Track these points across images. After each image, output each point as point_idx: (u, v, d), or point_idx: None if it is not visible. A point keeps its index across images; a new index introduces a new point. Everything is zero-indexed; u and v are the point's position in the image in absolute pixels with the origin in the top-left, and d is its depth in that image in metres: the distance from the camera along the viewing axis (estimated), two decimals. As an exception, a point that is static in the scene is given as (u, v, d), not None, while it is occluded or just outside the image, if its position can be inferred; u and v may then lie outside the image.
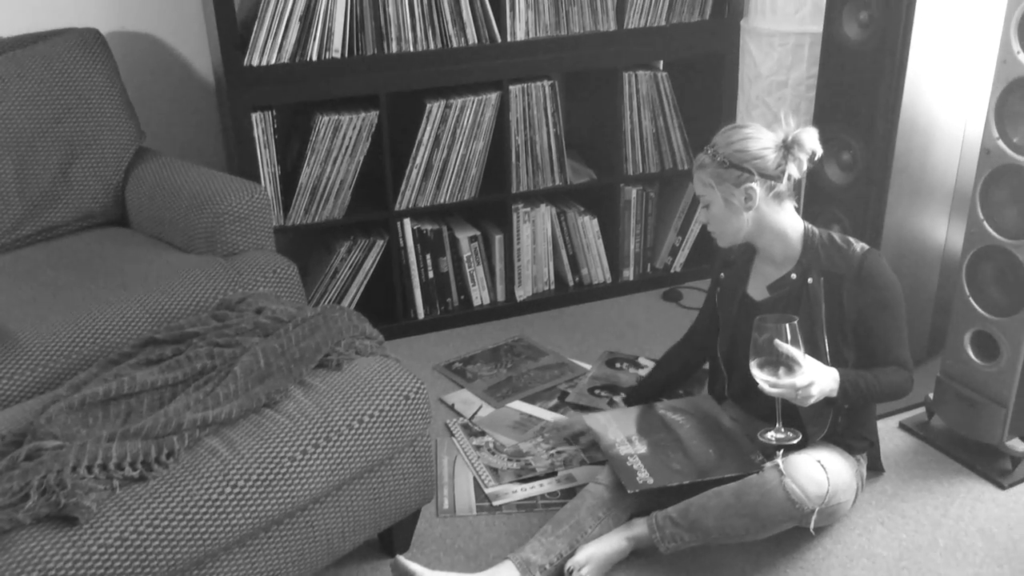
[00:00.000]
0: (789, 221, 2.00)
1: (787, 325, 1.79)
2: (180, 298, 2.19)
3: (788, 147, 1.92)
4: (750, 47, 2.73)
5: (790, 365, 1.81)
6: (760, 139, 1.94)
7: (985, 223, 2.14)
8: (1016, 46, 2.03)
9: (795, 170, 1.93)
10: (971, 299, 2.20)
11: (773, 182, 1.93)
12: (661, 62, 3.07)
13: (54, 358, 2.01)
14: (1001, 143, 2.09)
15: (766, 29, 2.65)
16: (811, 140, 1.93)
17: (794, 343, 1.80)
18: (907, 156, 2.38)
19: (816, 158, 1.95)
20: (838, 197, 2.45)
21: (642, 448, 2.08)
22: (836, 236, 2.00)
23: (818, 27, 2.48)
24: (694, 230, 3.21)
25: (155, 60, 2.87)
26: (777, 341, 1.79)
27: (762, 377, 1.82)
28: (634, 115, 3.01)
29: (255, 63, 2.58)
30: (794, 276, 2.00)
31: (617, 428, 2.16)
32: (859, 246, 1.97)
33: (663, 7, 2.91)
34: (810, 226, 2.02)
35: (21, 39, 2.55)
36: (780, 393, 1.83)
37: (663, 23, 2.93)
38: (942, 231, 2.56)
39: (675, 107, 3.04)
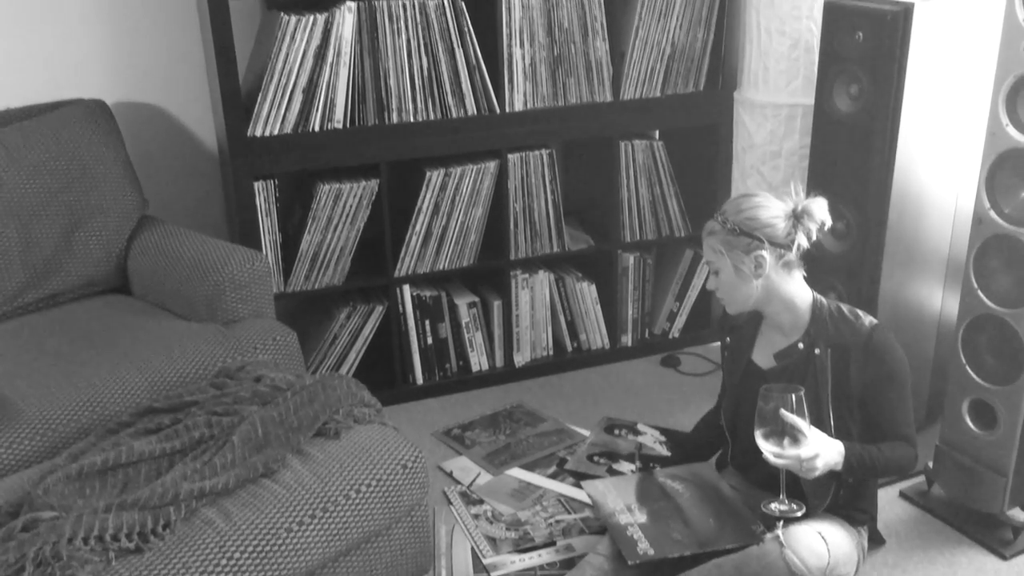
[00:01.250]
0: (798, 290, 2.01)
1: (793, 395, 1.79)
2: (180, 366, 2.20)
3: (798, 216, 1.94)
4: (744, 118, 2.79)
5: (795, 436, 1.81)
6: (770, 208, 1.96)
7: (979, 292, 2.16)
8: (1004, 119, 2.08)
9: (804, 239, 1.95)
10: (967, 367, 2.21)
11: (783, 251, 1.95)
12: (657, 131, 3.13)
13: (53, 427, 2.01)
14: (993, 213, 2.12)
15: (759, 100, 2.71)
16: (821, 210, 1.95)
17: (800, 414, 1.80)
18: (900, 225, 2.42)
19: (826, 228, 1.97)
20: (833, 265, 2.47)
21: (642, 517, 2.07)
22: (844, 308, 2.01)
23: (810, 99, 2.53)
24: (691, 296, 3.24)
25: (160, 130, 2.93)
26: (783, 411, 1.79)
27: (767, 447, 1.81)
28: (631, 183, 3.06)
29: (258, 133, 2.63)
30: (801, 346, 2.00)
31: (616, 496, 2.15)
32: (867, 320, 1.98)
33: (658, 79, 2.98)
34: (819, 296, 2.03)
35: (29, 110, 2.61)
36: (785, 464, 1.82)
37: (658, 94, 2.99)
38: (937, 299, 2.58)
39: (671, 175, 3.08)
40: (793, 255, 1.96)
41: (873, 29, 2.26)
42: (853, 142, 2.38)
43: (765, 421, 1.81)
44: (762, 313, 2.07)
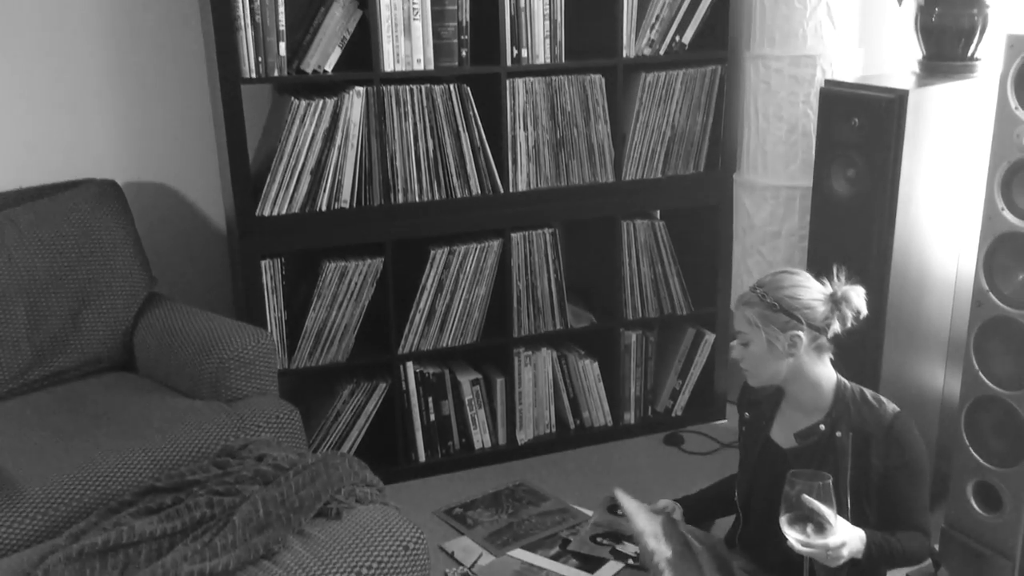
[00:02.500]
0: (824, 372, 2.00)
1: (820, 483, 1.77)
2: (183, 445, 2.21)
3: (837, 302, 1.94)
4: (744, 199, 2.84)
5: (820, 523, 1.78)
6: (811, 289, 1.96)
7: (981, 373, 2.17)
8: (1000, 203, 2.12)
9: (839, 326, 1.95)
10: (971, 449, 2.21)
11: (818, 334, 1.94)
12: (658, 211, 3.18)
13: (55, 506, 2.00)
14: (992, 296, 2.15)
15: (758, 183, 2.76)
16: (859, 299, 1.95)
17: (826, 502, 1.78)
18: (900, 305, 2.44)
19: (861, 317, 1.96)
20: (836, 345, 2.48)
21: (667, 551, 2.02)
22: (868, 393, 2.00)
23: (808, 182, 2.58)
24: (694, 374, 3.24)
25: (170, 209, 2.98)
26: (809, 498, 1.77)
27: (793, 535, 1.77)
28: (632, 262, 3.09)
29: (267, 213, 2.68)
30: (822, 427, 1.99)
31: (647, 520, 2.11)
32: (890, 407, 1.97)
33: (659, 161, 3.04)
34: (843, 379, 2.02)
35: (42, 189, 2.66)
36: (811, 553, 1.80)
37: (659, 176, 3.05)
38: (939, 379, 2.59)
39: (672, 254, 3.12)
40: (826, 339, 1.96)
41: (869, 116, 2.32)
42: (852, 225, 2.42)
43: (791, 507, 1.79)
44: (784, 390, 2.06)
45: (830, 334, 1.95)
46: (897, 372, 2.48)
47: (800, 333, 1.93)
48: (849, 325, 1.96)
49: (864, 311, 1.96)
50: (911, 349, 2.51)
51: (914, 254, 2.42)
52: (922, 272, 2.45)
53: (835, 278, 1.97)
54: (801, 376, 1.99)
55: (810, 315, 1.93)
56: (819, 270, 1.99)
